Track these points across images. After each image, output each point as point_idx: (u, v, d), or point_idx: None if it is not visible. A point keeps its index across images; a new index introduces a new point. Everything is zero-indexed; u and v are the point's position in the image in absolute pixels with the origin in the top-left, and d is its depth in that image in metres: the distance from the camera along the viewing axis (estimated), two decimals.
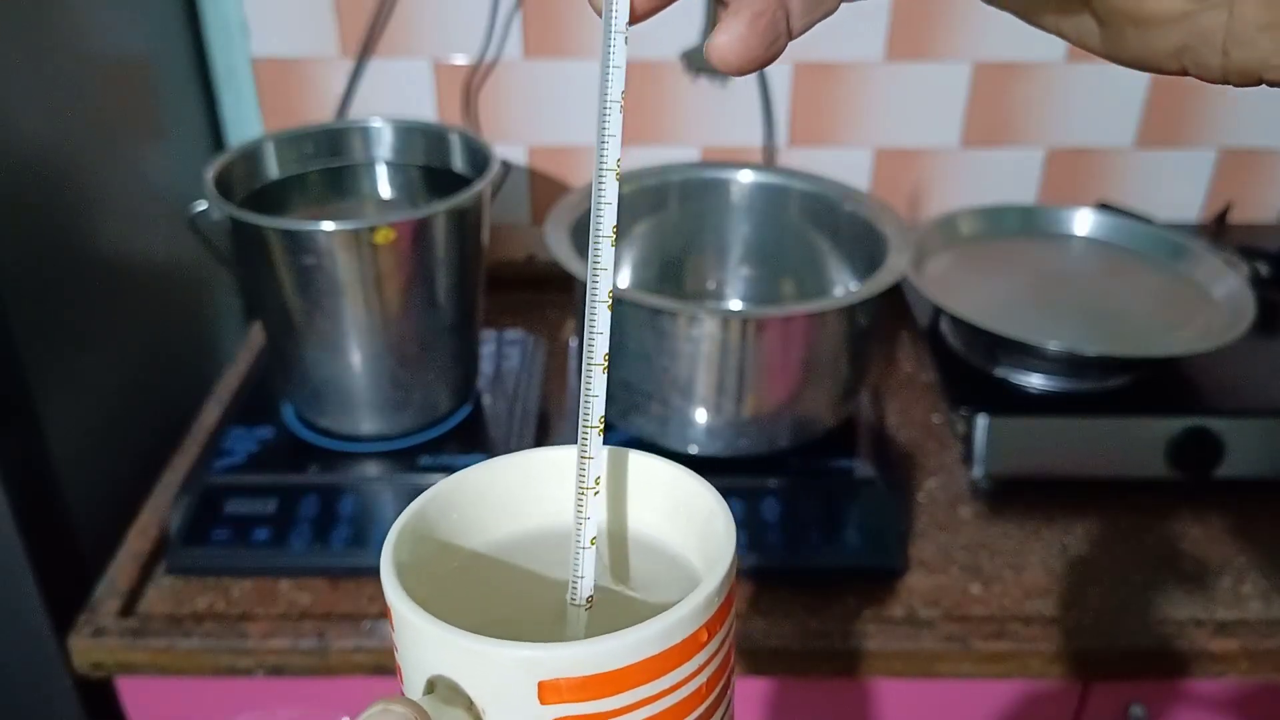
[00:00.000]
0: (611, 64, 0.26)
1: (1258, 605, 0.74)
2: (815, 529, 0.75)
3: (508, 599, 0.31)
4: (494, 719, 0.25)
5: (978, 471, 0.81)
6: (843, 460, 0.81)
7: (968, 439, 0.81)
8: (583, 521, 0.29)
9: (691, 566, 0.31)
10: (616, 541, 0.32)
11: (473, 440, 0.83)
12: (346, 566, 0.74)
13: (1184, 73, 0.25)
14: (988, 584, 0.75)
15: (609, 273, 0.27)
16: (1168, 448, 0.79)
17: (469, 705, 0.25)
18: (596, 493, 0.29)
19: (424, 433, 0.83)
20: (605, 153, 0.27)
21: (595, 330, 0.28)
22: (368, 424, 0.82)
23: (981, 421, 0.80)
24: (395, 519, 0.30)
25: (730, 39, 0.25)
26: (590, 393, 0.28)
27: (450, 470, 0.87)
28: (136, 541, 0.78)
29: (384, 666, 0.71)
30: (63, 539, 0.77)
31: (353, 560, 0.74)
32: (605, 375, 0.28)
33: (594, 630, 0.30)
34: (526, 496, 0.32)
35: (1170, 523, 0.81)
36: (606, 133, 0.26)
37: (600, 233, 0.27)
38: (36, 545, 0.73)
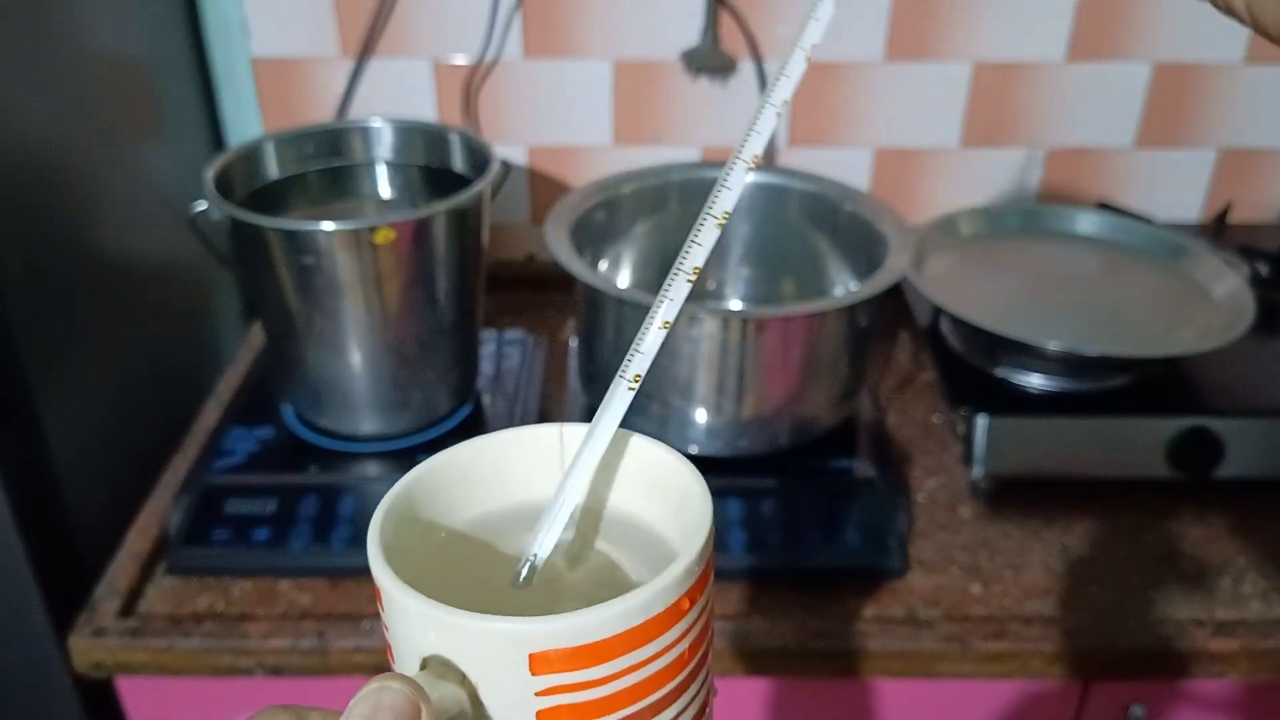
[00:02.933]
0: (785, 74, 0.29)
1: (1258, 605, 0.74)
2: (815, 529, 0.76)
3: (491, 574, 0.32)
4: (487, 691, 0.26)
5: (978, 471, 0.81)
6: (843, 460, 0.81)
7: (968, 439, 0.81)
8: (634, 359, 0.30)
9: (668, 538, 0.32)
10: (595, 515, 0.33)
11: None
12: (346, 566, 0.74)
13: None
14: (988, 584, 0.75)
15: (763, 138, 0.30)
16: (1168, 448, 0.80)
17: (462, 679, 0.26)
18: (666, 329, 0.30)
19: (424, 433, 0.83)
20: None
21: (726, 187, 0.30)
22: (368, 424, 0.82)
23: (981, 421, 0.80)
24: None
25: None
26: (696, 241, 0.30)
27: None
28: (136, 541, 0.78)
29: (384, 666, 0.71)
30: (63, 539, 0.77)
31: (353, 560, 0.74)
32: (719, 231, 0.30)
33: (584, 584, 0.31)
34: (506, 474, 0.33)
35: (1170, 523, 0.81)
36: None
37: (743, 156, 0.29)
38: (37, 545, 0.73)
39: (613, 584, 0.31)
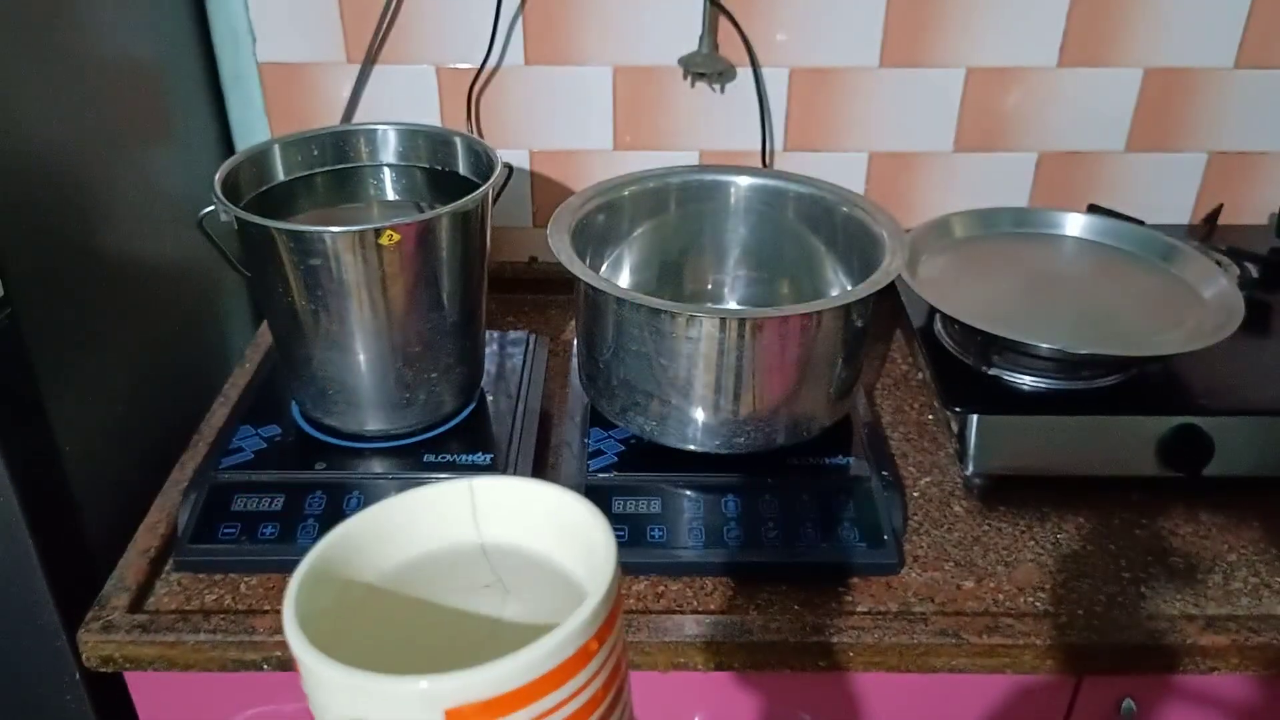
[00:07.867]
0: None
1: (1247, 601, 0.75)
2: (811, 525, 0.77)
3: (409, 625, 0.33)
4: None
5: (971, 469, 0.82)
6: (838, 458, 0.82)
7: (961, 437, 0.82)
8: None
9: (579, 581, 0.33)
10: (514, 557, 0.34)
11: (476, 438, 0.84)
12: None
13: None
14: (981, 580, 0.76)
15: None
16: (1158, 446, 0.81)
17: None
18: None
19: (429, 431, 0.84)
20: None
21: None
22: (373, 422, 0.83)
23: (974, 420, 0.81)
24: None
25: None
26: None
27: (454, 468, 0.87)
28: (145, 538, 0.79)
29: None
30: (73, 536, 0.78)
31: None
32: None
33: (502, 631, 0.32)
34: (418, 528, 0.34)
35: (1161, 520, 0.82)
36: None
37: None
38: (47, 542, 0.74)
39: (531, 629, 0.32)
